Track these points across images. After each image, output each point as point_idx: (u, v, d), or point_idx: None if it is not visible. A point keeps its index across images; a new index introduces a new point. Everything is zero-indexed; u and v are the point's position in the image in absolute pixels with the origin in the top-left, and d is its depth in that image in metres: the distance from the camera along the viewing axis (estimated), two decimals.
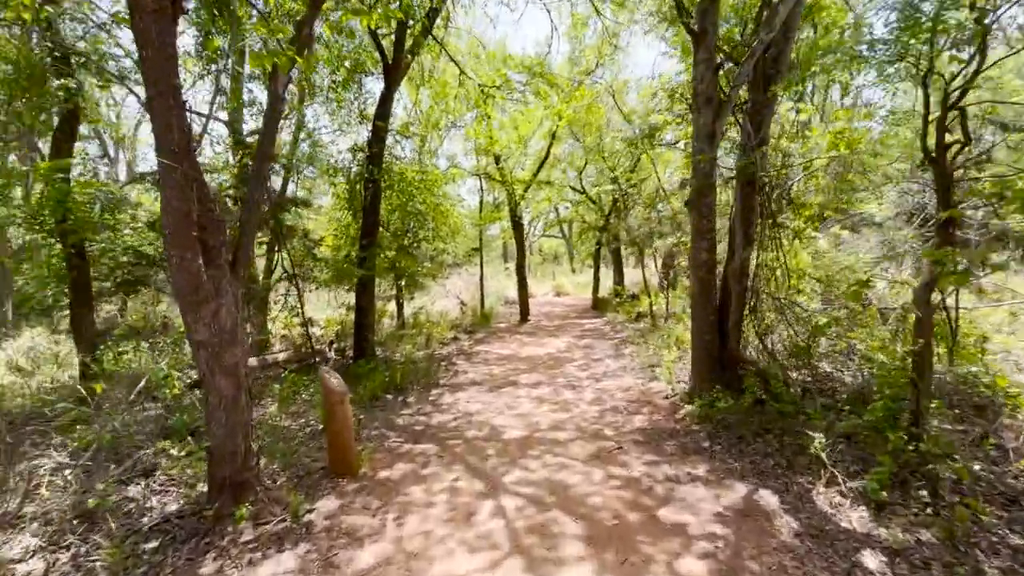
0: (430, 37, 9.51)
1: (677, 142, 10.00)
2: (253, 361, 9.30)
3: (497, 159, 13.24)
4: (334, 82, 8.34)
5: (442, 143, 16.46)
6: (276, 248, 9.33)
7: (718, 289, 5.73)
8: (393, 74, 8.46)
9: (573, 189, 16.77)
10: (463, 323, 13.81)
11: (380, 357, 9.78)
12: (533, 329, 13.00)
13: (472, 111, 11.60)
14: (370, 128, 8.73)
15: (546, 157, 13.89)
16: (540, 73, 10.24)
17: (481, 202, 15.25)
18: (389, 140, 9.15)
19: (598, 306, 16.17)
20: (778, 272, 5.88)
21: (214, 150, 9.00)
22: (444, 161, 14.18)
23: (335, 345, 10.25)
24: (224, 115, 9.27)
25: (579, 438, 5.09)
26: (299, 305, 8.38)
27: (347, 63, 8.37)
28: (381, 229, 9.31)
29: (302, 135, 10.96)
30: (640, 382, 7.06)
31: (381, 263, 9.09)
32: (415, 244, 11.14)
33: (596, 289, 16.63)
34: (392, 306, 13.71)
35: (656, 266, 15.09)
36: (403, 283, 11.99)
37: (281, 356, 9.47)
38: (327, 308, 13.66)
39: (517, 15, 34.45)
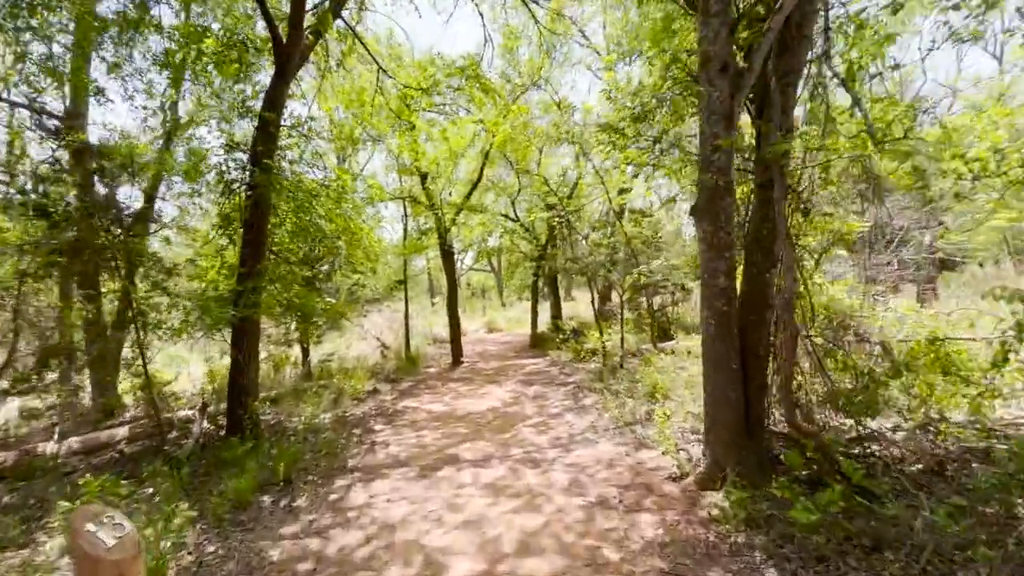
0: (339, 21, 7.59)
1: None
2: (74, 442, 6.41)
3: (424, 178, 11.33)
4: (199, 56, 6.08)
5: (357, 159, 14.30)
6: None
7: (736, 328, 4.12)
8: (288, 53, 6.38)
9: (506, 217, 15.20)
10: (385, 370, 11.42)
11: (271, 424, 7.24)
12: (469, 374, 10.91)
13: (394, 124, 9.66)
14: (256, 123, 6.53)
15: (478, 179, 12.22)
16: (474, 75, 8.60)
17: (405, 230, 13.17)
18: (285, 139, 6.96)
19: (537, 343, 14.44)
20: (801, 304, 4.43)
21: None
22: (363, 185, 12.04)
23: (208, 410, 7.57)
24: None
25: (569, 573, 3.12)
26: (142, 358, 5.78)
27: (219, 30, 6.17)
28: (273, 256, 6.96)
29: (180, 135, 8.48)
30: (623, 450, 5.24)
31: (271, 300, 6.70)
32: (322, 276, 8.79)
33: (534, 324, 14.94)
34: (297, 351, 11.07)
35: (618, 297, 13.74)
36: (307, 325, 9.54)
37: (120, 432, 6.67)
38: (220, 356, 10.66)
39: (446, 16, 32.68)
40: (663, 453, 4.88)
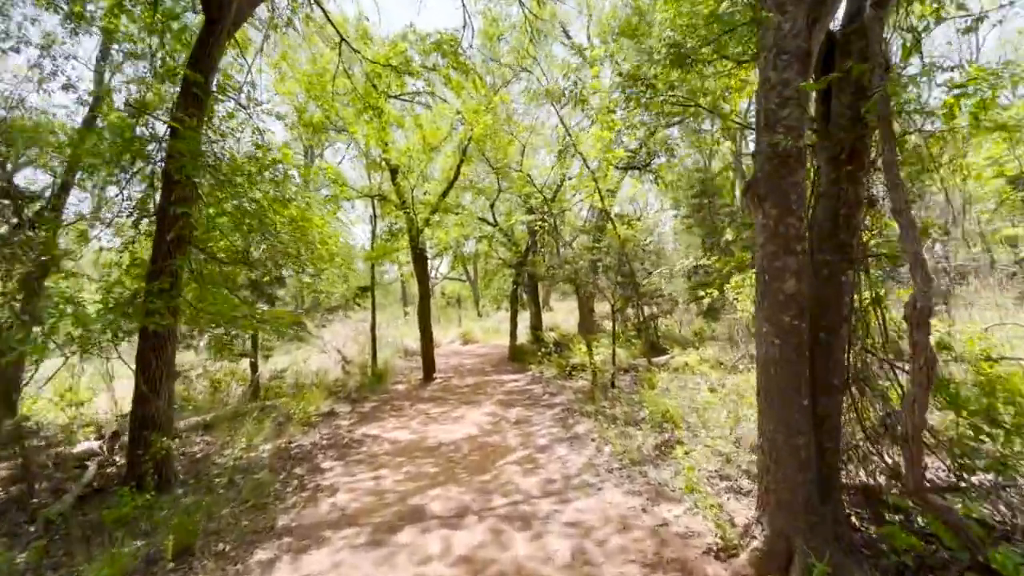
0: None
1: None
2: None
3: (394, 173, 10.05)
4: None
5: (323, 156, 12.95)
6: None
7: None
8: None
9: (484, 221, 14.01)
10: (347, 387, 10.01)
11: (195, 460, 5.81)
12: (442, 391, 9.60)
13: (360, 110, 8.39)
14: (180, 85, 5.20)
15: (455, 177, 11.02)
16: (451, 53, 7.44)
17: (374, 232, 11.82)
18: (222, 110, 5.62)
19: (517, 356, 13.22)
20: (874, 321, 3.38)
21: None
22: (322, 176, 10.66)
23: (121, 439, 6.15)
24: None
25: None
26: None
27: None
28: (199, 252, 5.57)
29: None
30: (637, 503, 4.05)
31: (197, 305, 5.29)
32: (269, 280, 7.41)
33: (513, 336, 13.73)
34: (245, 366, 9.56)
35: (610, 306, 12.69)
36: (256, 332, 8.13)
37: None
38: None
39: None
40: (693, 511, 3.72)
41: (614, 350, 8.86)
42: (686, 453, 4.43)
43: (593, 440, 5.74)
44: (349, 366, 10.81)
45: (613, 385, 8.42)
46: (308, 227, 6.13)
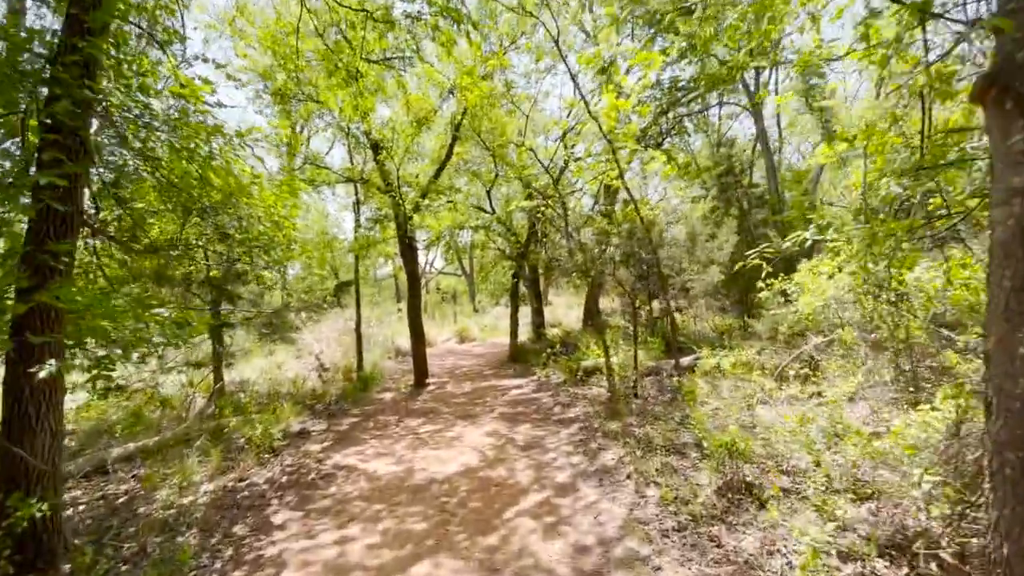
0: None
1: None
2: None
3: (376, 149, 8.58)
4: None
5: (305, 138, 11.47)
6: None
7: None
8: None
9: (480, 209, 12.55)
10: (326, 397, 8.60)
11: (111, 510, 4.41)
12: (435, 401, 8.21)
13: (331, 71, 6.91)
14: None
15: (447, 157, 9.58)
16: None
17: (357, 221, 10.36)
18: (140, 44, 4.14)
19: (518, 357, 11.84)
20: None
21: None
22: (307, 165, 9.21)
23: None
24: None
25: None
26: None
27: None
28: (93, 233, 4.12)
29: None
30: None
31: (70, 308, 3.85)
32: (216, 275, 5.99)
33: (514, 334, 12.33)
34: (206, 376, 8.13)
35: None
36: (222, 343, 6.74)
37: None
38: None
39: None
40: None
41: (636, 352, 7.49)
42: (778, 517, 3.07)
43: (629, 477, 4.37)
44: (328, 373, 9.38)
45: (636, 395, 7.07)
46: (254, 204, 4.67)
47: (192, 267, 5.81)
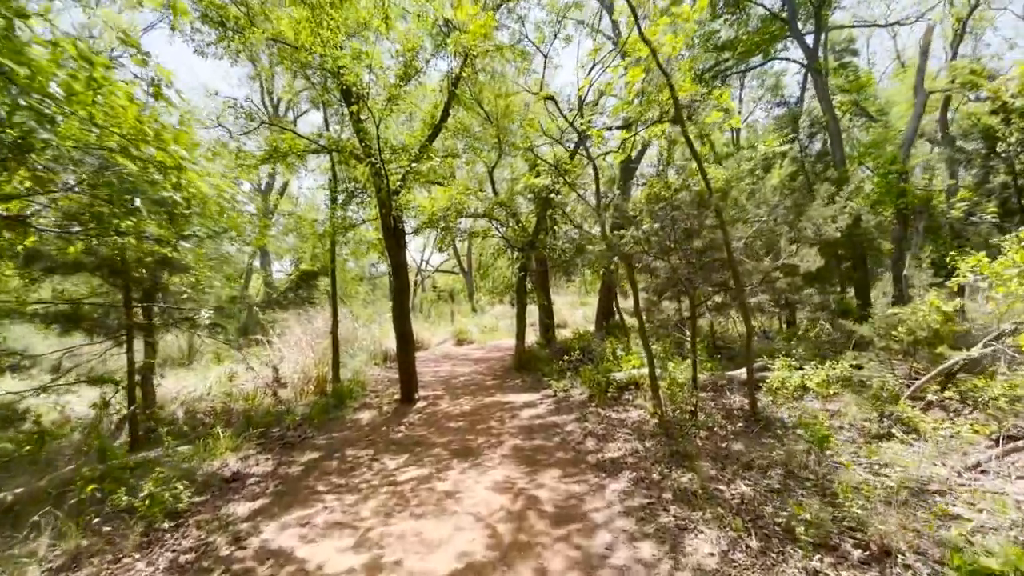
0: None
1: None
2: None
3: (348, 97, 6.53)
4: None
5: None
6: None
7: None
8: None
9: (481, 192, 10.52)
10: (289, 416, 6.59)
11: None
12: (423, 426, 6.19)
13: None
14: None
15: (444, 117, 7.57)
16: None
17: (333, 199, 8.28)
18: None
19: (525, 363, 9.83)
20: None
21: None
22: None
23: None
24: None
25: None
26: None
27: None
28: None
29: None
30: None
31: None
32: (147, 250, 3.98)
33: (521, 337, 10.33)
34: (126, 397, 6.08)
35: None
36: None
37: None
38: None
39: None
40: None
41: (695, 361, 5.47)
42: None
43: None
44: (286, 390, 7.34)
45: (696, 423, 5.08)
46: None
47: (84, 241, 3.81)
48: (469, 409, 6.96)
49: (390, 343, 13.06)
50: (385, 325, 16.49)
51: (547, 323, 11.36)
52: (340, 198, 8.17)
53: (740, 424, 5.12)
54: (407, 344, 7.51)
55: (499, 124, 9.86)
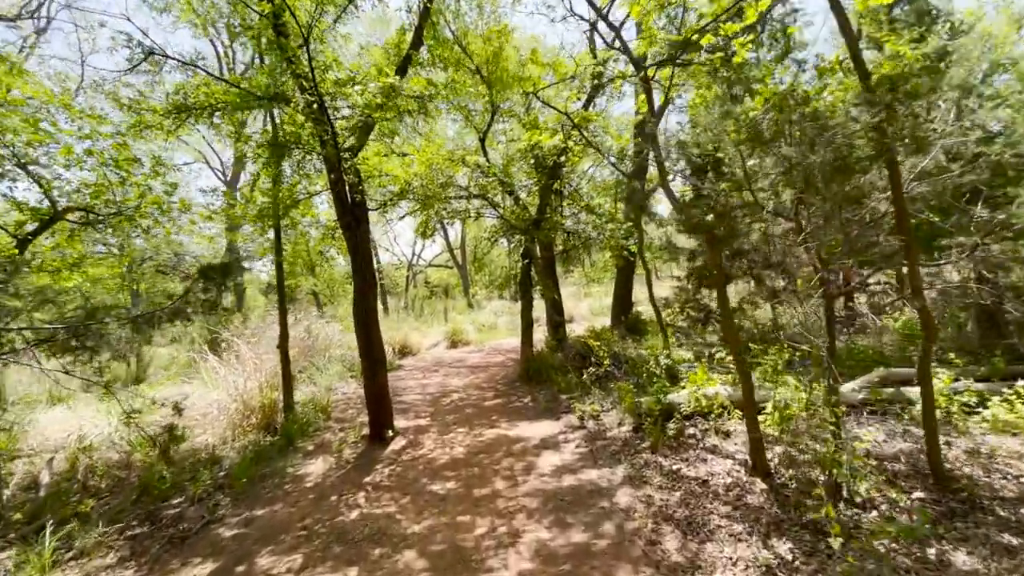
0: None
1: None
2: None
3: (277, 24, 4.23)
4: None
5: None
6: None
7: None
8: None
9: (475, 164, 8.19)
10: (207, 472, 4.36)
11: None
12: (393, 495, 3.96)
13: None
14: None
15: (415, 44, 5.29)
16: None
17: (271, 160, 5.93)
18: None
19: (535, 374, 7.60)
20: None
21: None
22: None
23: None
24: None
25: None
26: None
27: None
28: None
29: None
30: None
31: None
32: None
33: (528, 340, 8.10)
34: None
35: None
36: None
37: None
38: None
39: None
40: None
41: (833, 378, 3.26)
42: None
43: None
44: (162, 438, 5.04)
45: (848, 496, 2.89)
46: None
47: None
48: (463, 454, 4.74)
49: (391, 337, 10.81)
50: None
51: (557, 320, 9.14)
52: (288, 169, 5.86)
53: (918, 495, 2.95)
54: (375, 364, 5.28)
55: (490, 76, 7.58)
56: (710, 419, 4.43)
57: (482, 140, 8.76)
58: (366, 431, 5.54)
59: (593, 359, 7.17)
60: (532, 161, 7.79)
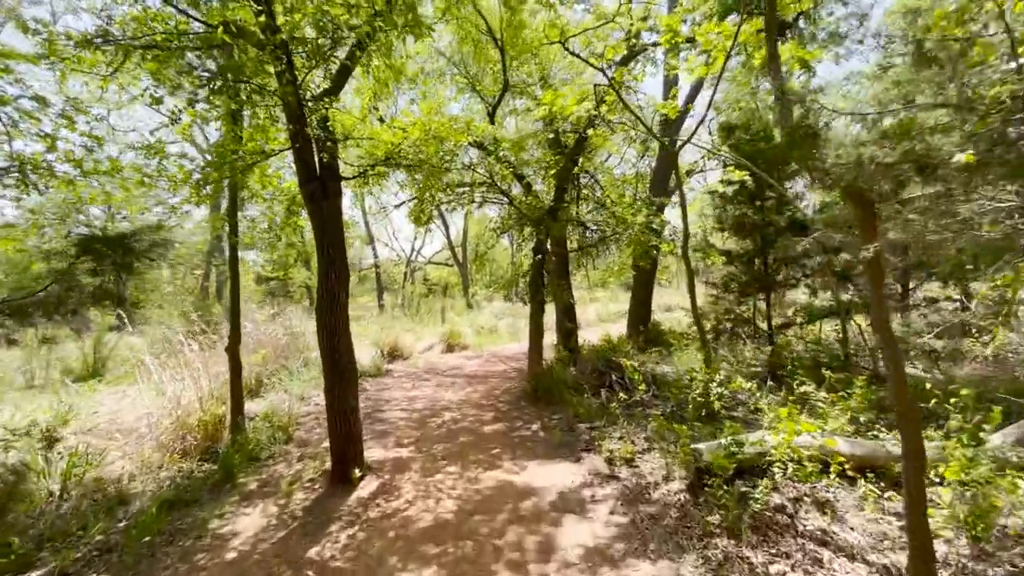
0: None
1: None
2: None
3: None
4: None
5: None
6: None
7: None
8: None
9: (483, 134, 6.79)
10: (108, 516, 2.99)
11: None
12: None
13: None
14: None
15: None
16: None
17: (232, 105, 4.58)
18: None
19: (545, 391, 6.22)
20: None
21: None
22: None
23: None
24: None
25: None
26: None
27: None
28: None
29: None
30: None
31: None
32: None
33: (538, 349, 6.73)
34: None
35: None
36: None
37: None
38: None
39: None
40: None
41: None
42: None
43: None
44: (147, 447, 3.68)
45: None
46: None
47: None
48: (453, 513, 3.38)
49: (360, 353, 9.43)
50: (369, 326, 12.85)
51: (569, 328, 7.78)
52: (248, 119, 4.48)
53: None
54: (342, 379, 3.91)
55: (504, 39, 6.27)
56: (790, 477, 3.07)
57: (491, 114, 7.43)
58: (326, 466, 4.18)
59: (616, 378, 5.83)
60: (551, 136, 6.43)
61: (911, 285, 7.76)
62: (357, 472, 3.91)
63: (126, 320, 8.62)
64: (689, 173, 10.48)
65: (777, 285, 6.37)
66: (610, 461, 4.01)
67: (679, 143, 5.17)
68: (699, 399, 4.29)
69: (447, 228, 23.03)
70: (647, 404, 5.19)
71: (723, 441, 3.24)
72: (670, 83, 8.65)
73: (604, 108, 5.15)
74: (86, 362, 9.93)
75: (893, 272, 7.16)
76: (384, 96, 5.62)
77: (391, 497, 3.68)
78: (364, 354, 9.20)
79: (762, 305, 6.65)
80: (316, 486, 3.93)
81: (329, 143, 3.77)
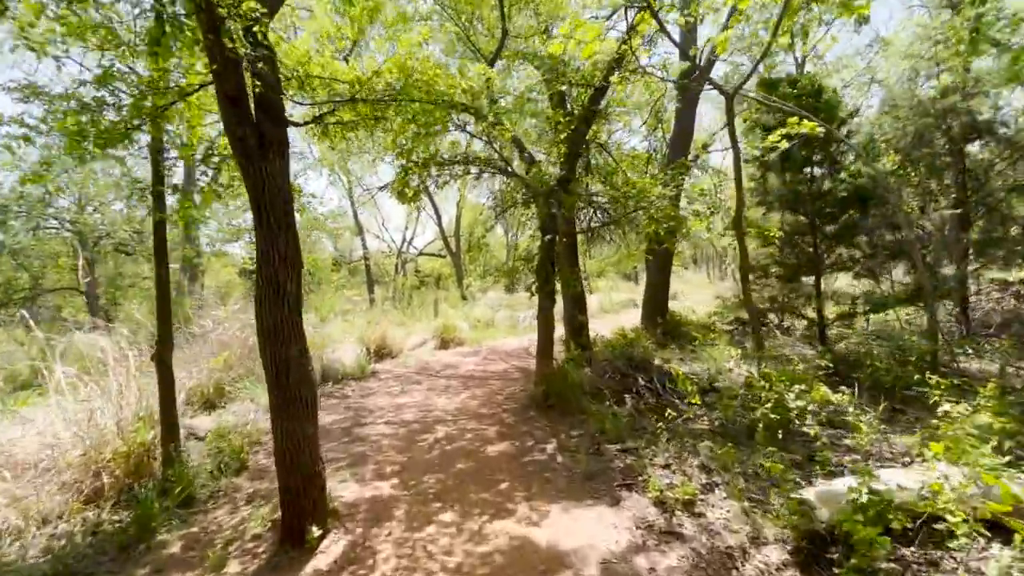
0: None
1: None
2: None
3: None
4: None
5: None
6: None
7: None
8: None
9: (471, 112, 5.58)
10: None
11: None
12: None
13: None
14: None
15: None
16: None
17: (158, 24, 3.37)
18: None
19: (557, 396, 5.12)
20: None
21: None
22: None
23: None
24: None
25: None
26: None
27: None
28: None
29: None
30: None
31: None
32: None
33: (548, 348, 5.58)
34: None
35: None
36: None
37: None
38: None
39: None
40: None
41: None
42: None
43: None
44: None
45: None
46: None
47: None
48: None
49: (339, 351, 8.25)
50: (357, 320, 11.61)
51: (580, 321, 6.68)
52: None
53: None
54: (294, 403, 2.76)
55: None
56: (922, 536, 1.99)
57: (488, 82, 6.20)
58: (277, 519, 3.05)
59: (644, 383, 4.73)
60: (561, 90, 5.24)
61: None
62: (315, 530, 2.77)
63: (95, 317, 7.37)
64: (705, 147, 9.36)
65: (828, 268, 5.29)
66: (661, 504, 2.92)
67: (733, 88, 4.02)
68: (772, 416, 3.20)
69: (439, 217, 21.77)
70: (685, 412, 4.11)
71: (849, 484, 2.15)
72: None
73: (636, 41, 3.99)
74: (34, 368, 8.66)
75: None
76: (356, 39, 4.46)
77: (361, 568, 2.57)
78: (347, 353, 8.03)
79: (807, 292, 5.57)
80: (259, 549, 2.80)
81: (262, 64, 2.57)
